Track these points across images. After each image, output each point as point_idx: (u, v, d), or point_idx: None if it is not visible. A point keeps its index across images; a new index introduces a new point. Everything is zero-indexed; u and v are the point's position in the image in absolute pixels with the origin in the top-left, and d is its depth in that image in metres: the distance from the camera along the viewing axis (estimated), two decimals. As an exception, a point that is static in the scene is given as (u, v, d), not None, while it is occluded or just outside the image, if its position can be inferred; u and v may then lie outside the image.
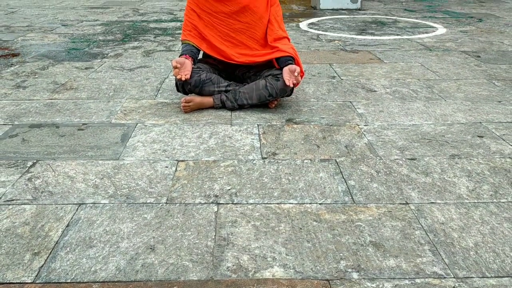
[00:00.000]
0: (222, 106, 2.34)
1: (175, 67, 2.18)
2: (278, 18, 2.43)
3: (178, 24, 4.84)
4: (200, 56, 2.50)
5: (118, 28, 4.54)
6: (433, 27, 4.83)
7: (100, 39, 4.00)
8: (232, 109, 2.33)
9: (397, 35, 4.38)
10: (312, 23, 5.09)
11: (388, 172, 1.70)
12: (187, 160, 1.78)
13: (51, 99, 2.43)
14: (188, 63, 2.25)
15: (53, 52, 3.47)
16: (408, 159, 1.81)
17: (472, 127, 2.14)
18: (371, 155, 1.85)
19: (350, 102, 2.48)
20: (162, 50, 3.64)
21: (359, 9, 6.16)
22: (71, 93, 2.52)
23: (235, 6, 2.35)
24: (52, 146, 1.88)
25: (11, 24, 4.66)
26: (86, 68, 3.04)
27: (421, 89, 2.70)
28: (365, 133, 2.07)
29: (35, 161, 1.75)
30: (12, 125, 2.09)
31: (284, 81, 2.21)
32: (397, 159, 1.81)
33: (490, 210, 1.47)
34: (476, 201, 1.52)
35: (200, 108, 2.33)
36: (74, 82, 2.73)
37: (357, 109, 2.37)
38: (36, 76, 2.83)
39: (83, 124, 2.11)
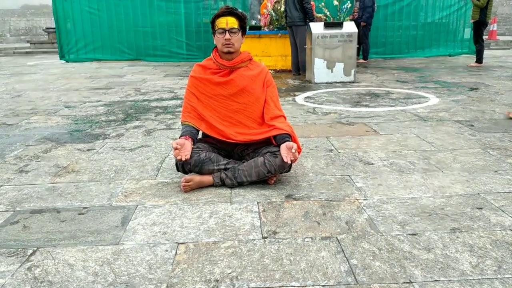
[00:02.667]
0: (222, 184, 2.37)
1: (175, 148, 2.24)
2: (274, 98, 2.54)
3: (178, 102, 5.02)
4: (200, 135, 2.58)
5: (120, 108, 4.70)
6: (425, 97, 5.01)
7: (102, 120, 4.13)
8: (231, 186, 2.35)
9: (391, 106, 4.53)
10: (308, 97, 5.28)
11: (390, 249, 1.68)
12: (187, 242, 1.77)
13: (53, 183, 2.46)
14: (188, 144, 2.32)
15: (56, 135, 3.57)
16: (409, 234, 1.80)
17: (471, 199, 2.14)
18: (372, 231, 1.84)
19: (349, 175, 2.51)
20: (163, 129, 3.74)
21: (353, 82, 6.42)
22: (72, 176, 2.56)
23: (233, 89, 2.47)
24: (53, 233, 1.87)
25: (16, 107, 4.83)
26: (88, 150, 3.11)
27: (418, 160, 2.75)
28: (365, 208, 2.07)
29: (35, 248, 1.74)
30: (14, 211, 2.09)
31: (282, 158, 2.26)
32: (398, 234, 1.80)
33: (495, 287, 1.43)
34: (480, 277, 1.49)
35: (200, 187, 2.35)
36: (76, 164, 2.78)
37: (356, 183, 2.39)
38: (39, 160, 2.88)
39: (84, 208, 2.12)
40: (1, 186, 2.43)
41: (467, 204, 2.09)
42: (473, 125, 3.62)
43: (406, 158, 2.80)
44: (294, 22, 7.00)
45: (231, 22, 2.38)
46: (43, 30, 18.09)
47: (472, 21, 8.25)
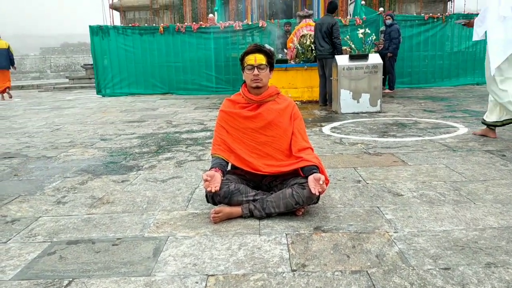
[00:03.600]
0: (251, 215, 2.40)
1: (206, 180, 2.31)
2: (301, 131, 2.59)
3: (208, 133, 5.14)
4: (229, 167, 2.64)
5: (152, 140, 4.85)
6: (454, 127, 4.94)
7: (136, 152, 4.27)
8: (260, 218, 2.38)
9: (419, 136, 4.49)
10: (334, 127, 5.30)
11: (422, 284, 1.66)
12: (217, 275, 1.80)
13: (88, 214, 2.56)
14: (218, 176, 2.38)
15: (92, 167, 3.72)
16: (442, 268, 1.77)
17: (506, 232, 2.09)
18: (403, 265, 1.81)
19: (378, 207, 2.50)
20: (193, 160, 3.84)
21: (379, 112, 6.41)
22: (107, 207, 2.66)
23: (261, 122, 2.54)
24: (88, 263, 1.94)
25: (55, 140, 5.07)
26: (122, 181, 3.22)
27: (448, 191, 2.71)
28: (395, 240, 2.05)
29: (70, 279, 1.81)
30: (51, 242, 2.19)
31: (310, 190, 2.28)
32: (430, 269, 1.77)
33: (535, 325, 1.39)
34: (519, 315, 1.44)
35: (229, 218, 2.39)
36: (110, 195, 2.89)
37: (385, 215, 2.37)
38: (76, 191, 3.01)
39: (118, 239, 2.19)
40: (40, 217, 2.54)
41: (502, 237, 2.03)
42: (504, 155, 3.54)
43: (436, 189, 2.76)
44: (324, 55, 7.18)
45: (259, 58, 2.47)
46: (81, 66, 18.99)
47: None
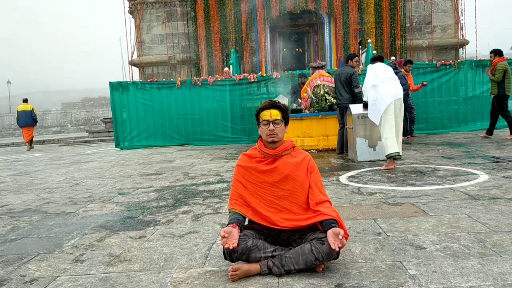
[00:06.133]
0: (269, 273, 2.35)
1: (223, 237, 2.30)
2: (318, 184, 2.59)
3: (225, 185, 5.15)
4: (246, 222, 2.63)
5: (169, 193, 4.88)
6: (474, 174, 4.86)
7: (153, 206, 4.29)
8: (279, 275, 2.33)
9: (439, 184, 4.42)
10: (351, 176, 5.27)
11: None
12: (236, 337, 1.74)
13: (106, 272, 2.54)
14: (235, 232, 2.37)
15: (110, 222, 3.74)
16: (471, 329, 1.68)
17: (537, 288, 2.00)
18: (430, 325, 1.73)
19: (400, 261, 2.43)
20: (210, 213, 3.83)
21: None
22: (124, 265, 2.64)
23: (278, 176, 2.55)
24: (105, 325, 1.91)
25: (74, 196, 5.14)
26: (139, 237, 3.22)
27: (472, 244, 2.62)
28: (419, 298, 1.97)
29: None
30: (69, 302, 2.17)
31: (329, 245, 2.24)
32: (458, 329, 1.69)
33: None
34: None
35: (248, 275, 2.34)
36: (128, 253, 2.88)
37: (409, 270, 2.30)
38: (94, 249, 3.01)
39: (135, 298, 2.16)
40: (58, 276, 2.54)
41: (532, 293, 1.94)
42: (530, 203, 3.44)
43: (460, 241, 2.68)
44: (343, 103, 7.32)
45: (274, 114, 2.53)
46: (100, 120, 19.58)
47: (492, 96, 8.40)
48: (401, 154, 5.65)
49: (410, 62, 9.97)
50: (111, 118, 13.28)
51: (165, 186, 5.38)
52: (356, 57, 7.52)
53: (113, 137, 11.93)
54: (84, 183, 6.10)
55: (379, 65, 5.87)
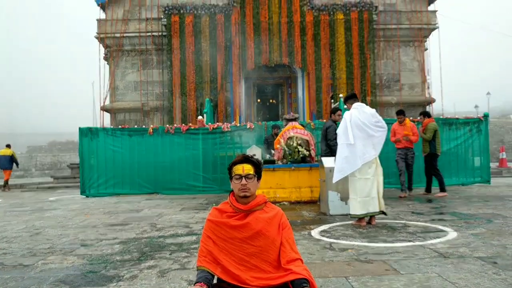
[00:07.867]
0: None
1: (191, 298, 2.18)
2: (290, 241, 2.54)
3: (194, 238, 5.00)
4: (215, 280, 2.52)
5: (135, 246, 4.68)
6: (443, 230, 4.92)
7: (117, 259, 4.09)
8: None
9: (409, 241, 4.43)
10: (324, 231, 5.22)
11: None
12: None
13: (61, 335, 2.35)
14: (203, 292, 2.26)
15: (70, 277, 3.52)
16: None
17: None
18: None
19: (372, 324, 2.36)
20: (177, 269, 3.67)
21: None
22: (82, 327, 2.45)
23: (249, 231, 2.49)
24: None
25: (34, 246, 4.85)
26: (100, 295, 3.03)
27: (444, 305, 2.59)
28: None
29: None
30: None
31: (301, 306, 2.16)
32: None
33: None
34: None
35: None
36: (87, 312, 2.69)
37: (381, 334, 2.23)
38: (50, 307, 2.80)
39: None
40: None
41: None
42: (496, 262, 3.47)
43: (432, 302, 2.65)
44: (322, 155, 7.58)
45: (247, 168, 2.51)
46: (67, 165, 19.03)
47: (424, 154, 8.93)
48: (383, 210, 5.62)
49: (402, 113, 9.16)
50: (78, 164, 12.93)
51: (130, 238, 5.17)
52: (339, 111, 7.76)
53: (79, 184, 11.54)
54: (45, 232, 5.79)
55: (355, 110, 5.72)
